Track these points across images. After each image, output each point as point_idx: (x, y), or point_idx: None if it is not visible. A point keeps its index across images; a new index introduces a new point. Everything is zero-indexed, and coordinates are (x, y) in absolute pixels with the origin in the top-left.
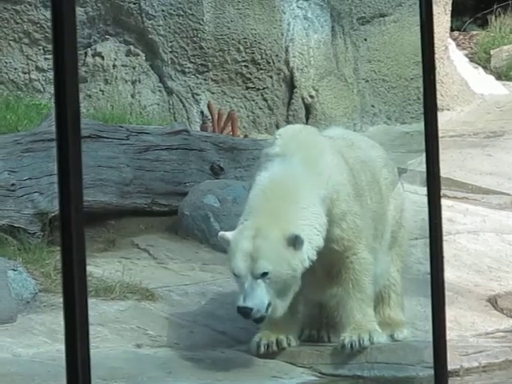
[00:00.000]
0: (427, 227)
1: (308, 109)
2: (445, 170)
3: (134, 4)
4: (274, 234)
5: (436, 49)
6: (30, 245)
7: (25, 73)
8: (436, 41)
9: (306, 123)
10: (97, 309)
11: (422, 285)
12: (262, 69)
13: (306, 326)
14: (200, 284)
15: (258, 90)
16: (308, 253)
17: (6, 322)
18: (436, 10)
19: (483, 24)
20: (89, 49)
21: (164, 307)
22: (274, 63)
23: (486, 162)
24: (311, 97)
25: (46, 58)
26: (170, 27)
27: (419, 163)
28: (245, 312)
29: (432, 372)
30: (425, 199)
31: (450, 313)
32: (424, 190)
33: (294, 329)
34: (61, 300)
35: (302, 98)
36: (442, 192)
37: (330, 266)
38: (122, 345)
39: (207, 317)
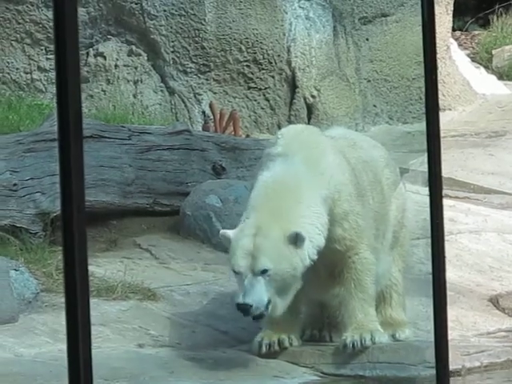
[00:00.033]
0: (429, 227)
1: (310, 109)
2: (446, 170)
3: (136, 4)
4: (275, 232)
5: (438, 49)
6: (32, 245)
7: (27, 73)
8: (438, 41)
9: (308, 123)
10: (99, 309)
11: (423, 285)
12: (263, 69)
13: (308, 325)
14: (202, 284)
15: (260, 89)
16: (309, 251)
17: (7, 321)
18: (438, 9)
19: (485, 24)
20: (91, 49)
21: (166, 307)
22: (275, 63)
23: (487, 162)
24: (313, 97)
25: (47, 58)
26: (171, 27)
27: (421, 163)
28: (244, 309)
29: (434, 372)
30: (427, 199)
31: (451, 313)
32: (426, 190)
33: (296, 328)
34: (63, 300)
35: (304, 98)
36: (444, 192)
37: (332, 265)
38: (124, 345)
39: (209, 316)
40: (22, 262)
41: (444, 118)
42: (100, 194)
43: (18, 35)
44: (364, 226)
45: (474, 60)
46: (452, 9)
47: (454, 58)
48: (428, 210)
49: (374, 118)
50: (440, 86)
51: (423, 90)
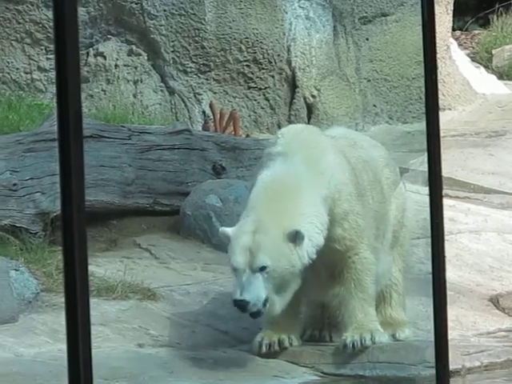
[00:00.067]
0: (429, 227)
1: (310, 108)
2: (446, 170)
3: (136, 4)
4: (275, 230)
5: (438, 48)
6: (32, 245)
7: (27, 73)
8: (438, 40)
9: (308, 123)
10: (98, 308)
11: (423, 284)
12: (263, 68)
13: (308, 325)
14: (202, 284)
15: (260, 89)
16: (308, 250)
17: (7, 321)
18: (438, 9)
19: (485, 24)
20: (91, 49)
21: (166, 307)
22: (275, 63)
23: (487, 162)
24: (313, 96)
25: (48, 58)
26: (171, 27)
27: (421, 163)
28: (241, 305)
29: (434, 372)
30: (426, 199)
31: (451, 312)
32: (426, 190)
33: (296, 328)
34: (63, 300)
35: (304, 98)
36: (444, 191)
37: (332, 265)
38: (124, 344)
39: (209, 316)
40: (21, 261)
41: (444, 118)
42: (100, 194)
43: (18, 35)
44: (364, 225)
45: (474, 60)
46: (452, 8)
47: (454, 57)
48: (428, 209)
49: (374, 117)
50: (440, 86)
51: (423, 89)
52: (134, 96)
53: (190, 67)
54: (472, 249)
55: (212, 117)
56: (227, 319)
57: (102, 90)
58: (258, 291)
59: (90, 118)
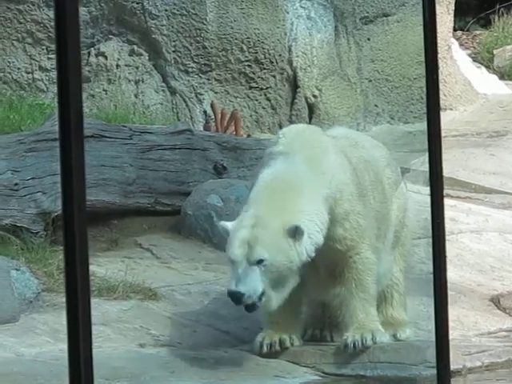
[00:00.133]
0: (430, 227)
1: (311, 108)
2: (448, 170)
3: (138, 4)
4: (274, 224)
5: (439, 48)
6: (33, 244)
7: (28, 72)
8: (439, 40)
9: (310, 123)
10: (99, 308)
11: (424, 284)
12: (265, 68)
13: (309, 325)
14: (203, 283)
15: (262, 89)
16: (307, 247)
17: (8, 321)
18: (439, 9)
19: (486, 24)
20: (92, 48)
21: (167, 307)
22: (277, 63)
23: (488, 162)
24: (314, 96)
25: (49, 58)
26: (173, 27)
27: (422, 163)
28: (236, 297)
29: (435, 371)
30: (428, 199)
31: (452, 312)
32: (427, 190)
33: (297, 328)
34: (64, 300)
35: (306, 98)
36: (445, 191)
37: (333, 265)
38: (125, 344)
39: (210, 316)
40: (23, 261)
41: (445, 118)
42: (101, 194)
43: (20, 35)
44: (365, 225)
45: (475, 60)
46: (453, 9)
47: (456, 57)
48: (429, 209)
49: (376, 117)
50: (441, 86)
51: (424, 89)
52: (136, 96)
53: (192, 67)
54: (473, 249)
55: (213, 117)
56: (228, 319)
57: (104, 90)
58: (254, 284)
59: (92, 118)
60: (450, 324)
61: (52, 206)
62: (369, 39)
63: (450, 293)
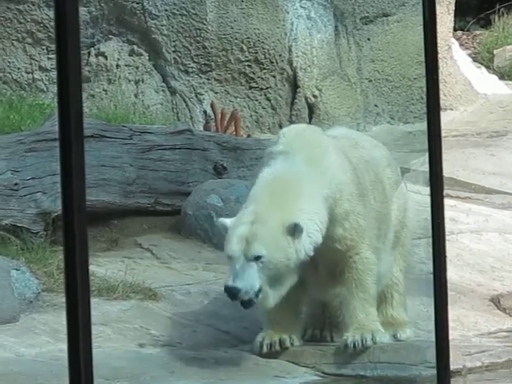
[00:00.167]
0: (430, 227)
1: (311, 108)
2: (448, 170)
3: (138, 4)
4: (273, 221)
5: (439, 48)
6: (33, 244)
7: (28, 72)
8: (439, 40)
9: (310, 123)
10: (99, 308)
11: (424, 284)
12: (265, 68)
13: (309, 325)
14: (203, 283)
15: (262, 89)
16: (305, 245)
17: (8, 321)
18: (439, 9)
19: (486, 24)
20: (92, 48)
21: (167, 307)
22: (277, 63)
23: (488, 162)
24: (314, 96)
25: (49, 58)
26: (173, 27)
27: (422, 163)
28: (232, 292)
29: (435, 372)
30: (428, 199)
31: (452, 312)
32: (427, 190)
33: (297, 328)
34: (63, 300)
35: (306, 98)
36: (445, 192)
37: (333, 265)
38: (125, 344)
39: (210, 316)
40: (22, 261)
41: (445, 118)
42: (101, 194)
43: (20, 35)
44: (365, 225)
45: (475, 60)
46: (453, 9)
47: (456, 57)
48: (429, 209)
49: (376, 117)
50: (441, 86)
51: (424, 89)
52: (136, 96)
53: (192, 67)
54: (473, 249)
55: (213, 117)
56: (228, 319)
57: (104, 90)
58: (251, 280)
59: (92, 118)
60: (450, 324)
61: (52, 206)
62: (369, 39)
63: (450, 293)
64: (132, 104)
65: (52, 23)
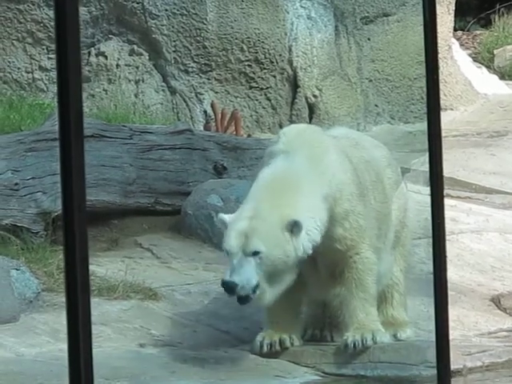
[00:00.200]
0: (430, 227)
1: (311, 108)
2: (448, 170)
3: (138, 3)
4: (273, 217)
5: (439, 48)
6: (33, 244)
7: (28, 72)
8: (439, 40)
9: (310, 123)
10: (100, 308)
11: (424, 284)
12: (265, 68)
13: (309, 325)
14: (203, 283)
15: (262, 89)
16: (304, 243)
17: (8, 321)
18: (439, 9)
19: (486, 24)
20: (92, 48)
21: (167, 306)
22: (277, 63)
23: (489, 162)
24: (315, 96)
25: (49, 58)
26: (173, 27)
27: (422, 163)
28: (229, 287)
29: (435, 371)
30: (428, 199)
31: (452, 312)
32: (427, 190)
33: (297, 328)
34: (64, 299)
35: (306, 98)
36: (446, 191)
37: (334, 265)
38: (125, 344)
39: (210, 316)
40: (23, 261)
41: (445, 118)
42: (101, 194)
43: (20, 34)
44: (365, 225)
45: (475, 60)
46: (454, 8)
47: (456, 57)
48: (429, 209)
49: (376, 117)
50: (441, 86)
51: (425, 89)
52: (136, 96)
53: (192, 67)
54: (473, 249)
55: (213, 116)
56: (228, 319)
57: (104, 90)
58: (248, 275)
59: (92, 118)
60: (451, 324)
61: (52, 205)
62: (369, 39)
63: (450, 293)
64: (132, 104)
65: (52, 23)
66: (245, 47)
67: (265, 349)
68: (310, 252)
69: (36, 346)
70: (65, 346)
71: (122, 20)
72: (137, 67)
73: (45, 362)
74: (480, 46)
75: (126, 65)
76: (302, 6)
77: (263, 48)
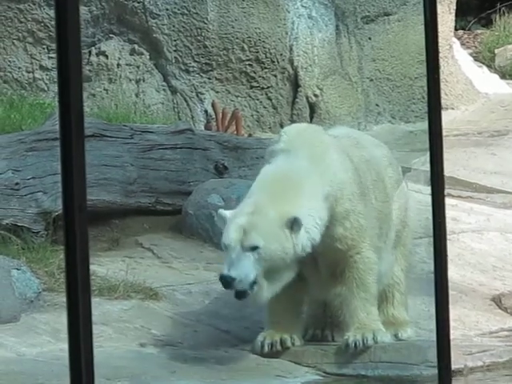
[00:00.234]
0: (431, 226)
1: (312, 108)
2: (449, 169)
3: (138, 3)
4: (273, 213)
5: (440, 48)
6: (34, 244)
7: (29, 72)
8: (440, 40)
9: (311, 122)
10: (100, 308)
11: (425, 284)
12: (266, 68)
13: (310, 325)
14: (204, 283)
15: (263, 88)
16: (303, 240)
17: (9, 321)
18: (440, 9)
19: (487, 23)
20: (93, 48)
21: (168, 306)
22: (278, 62)
23: (490, 161)
24: (315, 96)
25: (50, 57)
26: (174, 26)
27: (423, 162)
28: (227, 281)
29: (436, 371)
30: (429, 198)
31: (453, 312)
32: (428, 189)
33: (298, 328)
34: (64, 299)
35: (307, 97)
36: (446, 191)
37: (334, 265)
38: (126, 344)
39: (211, 316)
40: (23, 261)
41: (446, 117)
42: (102, 193)
43: (20, 34)
44: (366, 225)
45: (476, 59)
46: (454, 8)
47: (457, 57)
48: (430, 209)
49: (377, 117)
50: (442, 85)
51: (426, 89)
52: (136, 95)
53: (193, 66)
54: (474, 248)
55: (214, 116)
56: (229, 319)
57: (104, 89)
58: (246, 270)
59: (92, 117)
60: (452, 324)
61: (53, 205)
62: (370, 38)
63: (451, 292)
64: (133, 103)
65: (53, 22)
66: (246, 47)
67: (266, 349)
68: (309, 250)
69: (37, 345)
70: (66, 346)
71: (123, 19)
72: (137, 67)
73: (46, 362)
74: (481, 46)
75: (126, 64)
76: (302, 6)
77: (264, 47)
